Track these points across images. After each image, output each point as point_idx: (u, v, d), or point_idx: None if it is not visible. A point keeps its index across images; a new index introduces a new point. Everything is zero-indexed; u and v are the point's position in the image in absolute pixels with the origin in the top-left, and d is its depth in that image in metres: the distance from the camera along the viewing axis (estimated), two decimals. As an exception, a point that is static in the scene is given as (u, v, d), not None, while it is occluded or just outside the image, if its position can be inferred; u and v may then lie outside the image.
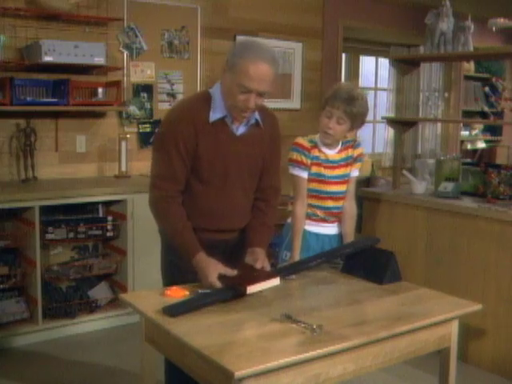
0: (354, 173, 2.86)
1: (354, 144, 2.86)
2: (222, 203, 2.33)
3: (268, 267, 2.30)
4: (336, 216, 2.85)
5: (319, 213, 2.80)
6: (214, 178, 2.29)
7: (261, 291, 2.20)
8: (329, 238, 2.84)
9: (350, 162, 2.83)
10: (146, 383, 2.14)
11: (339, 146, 2.82)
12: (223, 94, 2.24)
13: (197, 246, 2.22)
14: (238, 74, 2.13)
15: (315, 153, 2.76)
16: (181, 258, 2.39)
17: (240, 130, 2.31)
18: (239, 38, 4.85)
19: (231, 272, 2.16)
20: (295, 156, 2.77)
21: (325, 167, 2.77)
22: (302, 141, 2.77)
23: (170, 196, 2.25)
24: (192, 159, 2.25)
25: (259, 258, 2.29)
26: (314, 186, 2.78)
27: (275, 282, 2.13)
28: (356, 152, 2.85)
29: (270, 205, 2.48)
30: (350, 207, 2.87)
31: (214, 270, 2.14)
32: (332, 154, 2.80)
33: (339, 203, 2.83)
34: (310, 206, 2.79)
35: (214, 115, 2.24)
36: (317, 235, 2.82)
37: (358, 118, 2.70)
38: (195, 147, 2.23)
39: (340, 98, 2.64)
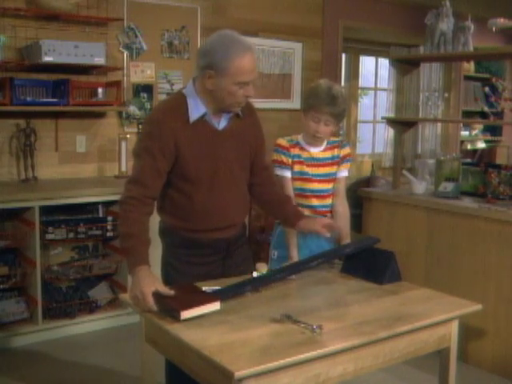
0: (343, 173, 2.87)
1: (341, 144, 2.88)
2: (215, 201, 2.32)
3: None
4: (323, 215, 2.83)
5: (306, 212, 2.80)
6: (203, 177, 2.28)
7: (259, 291, 2.21)
8: (317, 236, 2.83)
9: (336, 161, 2.84)
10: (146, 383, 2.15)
11: (324, 144, 2.84)
12: (216, 98, 2.21)
13: (145, 258, 2.10)
14: (233, 75, 2.12)
15: (295, 151, 2.79)
16: (179, 259, 2.40)
17: (221, 124, 2.30)
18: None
19: (167, 292, 1.99)
20: (276, 156, 2.80)
21: (308, 165, 2.79)
22: (281, 141, 2.81)
23: (136, 199, 2.19)
24: (176, 163, 2.24)
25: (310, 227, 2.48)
26: (298, 184, 2.79)
27: (215, 306, 1.94)
28: (343, 152, 2.86)
29: (273, 183, 2.58)
30: (342, 207, 2.87)
31: (151, 284, 1.99)
32: (316, 151, 2.82)
33: (325, 202, 2.83)
34: (297, 204, 2.80)
35: (194, 114, 2.23)
36: (303, 233, 2.82)
37: (341, 116, 2.76)
38: (175, 152, 2.22)
39: (324, 102, 2.66)
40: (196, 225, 2.33)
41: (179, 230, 2.36)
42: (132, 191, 2.20)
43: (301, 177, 2.78)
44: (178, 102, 2.26)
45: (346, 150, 2.88)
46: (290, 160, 2.78)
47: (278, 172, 2.79)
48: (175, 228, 2.37)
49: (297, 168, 2.79)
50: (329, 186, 2.84)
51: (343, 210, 2.87)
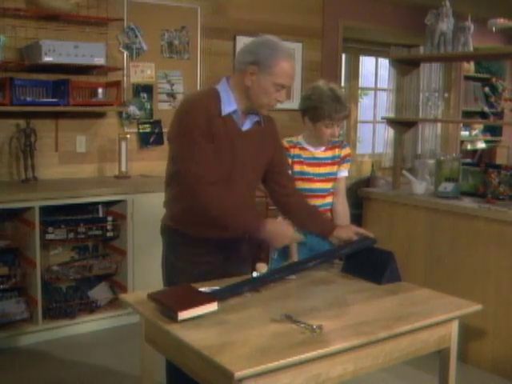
0: (343, 173, 2.92)
1: (342, 144, 2.92)
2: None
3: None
4: (323, 214, 2.85)
5: None
6: (221, 172, 2.31)
7: (259, 291, 2.21)
8: (317, 236, 2.83)
9: (336, 161, 2.89)
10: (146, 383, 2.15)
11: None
12: (251, 95, 2.27)
13: (260, 218, 2.38)
14: (275, 75, 2.23)
15: (295, 151, 2.84)
16: (180, 258, 2.40)
17: (245, 126, 2.35)
18: (240, 38, 4.86)
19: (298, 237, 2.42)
20: None
21: (308, 164, 2.83)
22: (282, 142, 2.81)
23: (210, 179, 2.24)
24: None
25: (348, 234, 2.54)
26: (299, 184, 2.81)
27: (213, 307, 1.94)
28: (343, 152, 2.91)
29: (299, 195, 2.63)
30: (342, 207, 2.91)
31: (283, 222, 2.42)
32: (318, 151, 2.86)
33: (325, 201, 2.87)
34: None
35: (226, 108, 2.28)
36: (304, 233, 2.83)
37: (349, 113, 2.82)
38: (210, 138, 2.26)
39: (336, 109, 2.69)
40: (204, 220, 2.33)
41: (183, 225, 2.37)
42: (205, 173, 2.24)
43: (302, 176, 2.80)
44: (211, 94, 2.31)
45: (347, 151, 2.92)
46: (289, 160, 2.80)
47: None
48: (179, 224, 2.38)
49: (297, 168, 2.81)
50: (329, 185, 2.88)
51: (343, 209, 2.91)
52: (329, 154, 2.87)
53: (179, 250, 2.40)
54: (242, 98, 2.29)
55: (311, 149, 2.84)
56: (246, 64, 2.24)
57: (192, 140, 2.23)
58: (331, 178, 2.88)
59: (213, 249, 2.39)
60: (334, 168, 2.88)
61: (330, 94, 2.70)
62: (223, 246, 2.42)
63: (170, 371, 2.44)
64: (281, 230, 2.32)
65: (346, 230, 2.57)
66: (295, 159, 2.82)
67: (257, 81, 2.25)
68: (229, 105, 2.29)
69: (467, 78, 7.32)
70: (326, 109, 2.69)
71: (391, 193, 4.05)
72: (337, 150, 2.88)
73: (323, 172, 2.85)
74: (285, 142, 2.82)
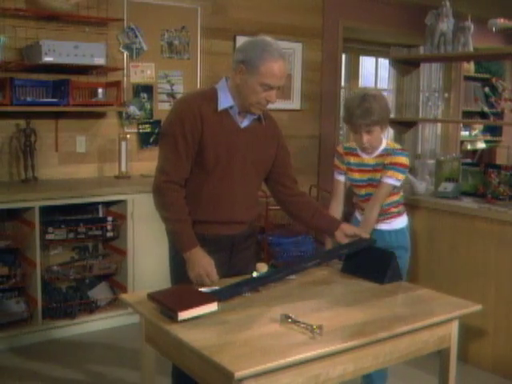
0: (384, 179, 2.77)
1: (392, 152, 2.79)
2: (225, 193, 2.37)
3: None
4: (381, 215, 2.85)
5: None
6: (218, 167, 2.34)
7: (259, 291, 2.21)
8: (381, 233, 2.86)
9: (378, 168, 2.80)
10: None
11: (377, 151, 2.83)
12: (240, 93, 2.30)
13: (196, 240, 2.31)
14: (262, 75, 2.24)
15: (347, 159, 2.90)
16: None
17: (244, 123, 2.38)
18: (240, 38, 4.86)
19: (214, 277, 2.27)
20: (334, 161, 2.98)
21: (356, 171, 2.88)
22: (339, 147, 2.96)
23: (176, 183, 2.31)
24: (197, 148, 2.31)
25: (354, 230, 2.54)
26: (354, 190, 2.93)
27: (213, 307, 1.95)
28: (388, 159, 2.77)
29: (304, 194, 2.67)
30: (368, 213, 2.80)
31: (210, 262, 2.28)
32: (368, 157, 2.86)
33: None
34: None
35: (222, 104, 2.33)
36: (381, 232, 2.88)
37: (383, 120, 2.73)
38: (200, 136, 2.30)
39: (355, 116, 2.68)
40: (201, 215, 2.36)
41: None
42: (172, 175, 2.31)
43: (352, 183, 2.91)
44: (209, 92, 2.38)
45: (393, 158, 2.77)
46: (344, 166, 2.90)
47: (334, 175, 2.96)
48: None
49: (349, 174, 2.91)
50: (371, 190, 2.86)
51: (366, 216, 2.81)
52: (374, 161, 2.82)
53: None
54: (236, 96, 2.33)
55: (362, 154, 2.86)
56: (237, 62, 2.28)
57: (172, 141, 2.30)
58: (374, 184, 2.82)
59: (216, 247, 2.39)
60: (377, 175, 2.81)
61: (357, 99, 2.69)
62: (227, 244, 2.43)
63: (175, 372, 2.44)
64: (203, 263, 2.27)
65: (351, 226, 2.62)
66: (347, 166, 2.90)
67: (245, 79, 2.28)
68: (225, 101, 2.33)
69: (467, 78, 7.32)
70: (347, 113, 2.74)
71: (391, 193, 4.04)
72: (385, 157, 2.79)
73: (366, 178, 2.85)
74: (341, 149, 2.92)
